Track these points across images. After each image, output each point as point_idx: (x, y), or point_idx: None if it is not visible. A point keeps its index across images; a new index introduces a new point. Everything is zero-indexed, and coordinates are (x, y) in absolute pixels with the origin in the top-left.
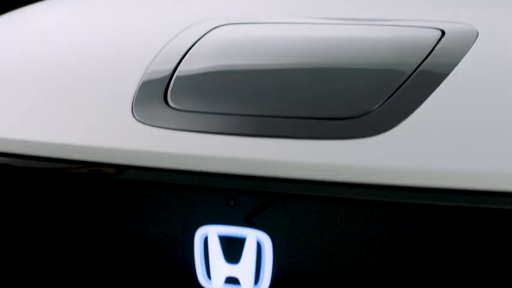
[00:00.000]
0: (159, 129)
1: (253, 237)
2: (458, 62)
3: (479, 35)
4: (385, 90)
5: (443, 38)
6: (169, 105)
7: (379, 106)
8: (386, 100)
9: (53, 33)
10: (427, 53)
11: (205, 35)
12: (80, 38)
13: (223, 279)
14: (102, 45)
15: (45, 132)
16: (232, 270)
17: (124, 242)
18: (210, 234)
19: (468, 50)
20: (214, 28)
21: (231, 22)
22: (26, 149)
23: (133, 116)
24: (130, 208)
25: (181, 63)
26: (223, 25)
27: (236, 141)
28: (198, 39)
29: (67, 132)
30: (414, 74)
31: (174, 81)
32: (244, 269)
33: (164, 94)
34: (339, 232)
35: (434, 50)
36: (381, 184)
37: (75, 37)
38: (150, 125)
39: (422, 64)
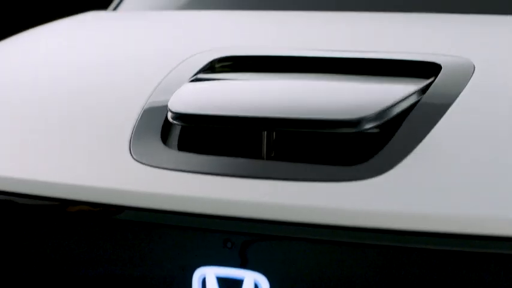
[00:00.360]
0: (156, 169)
1: (251, 278)
2: (456, 98)
3: (475, 69)
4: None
5: (440, 74)
6: (166, 145)
7: (374, 148)
8: (382, 142)
9: (45, 66)
10: (424, 91)
11: (203, 69)
12: (75, 72)
13: None
14: (98, 79)
15: (41, 171)
16: None
17: (122, 283)
18: (208, 275)
19: (465, 85)
20: (211, 61)
21: (229, 54)
22: (21, 188)
23: (131, 155)
24: (127, 249)
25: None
26: (221, 57)
27: (233, 183)
28: (195, 74)
29: (64, 172)
30: (411, 113)
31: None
32: None
33: (162, 133)
34: (335, 274)
35: (430, 87)
36: (376, 228)
37: (69, 70)
38: (147, 164)
39: (419, 103)
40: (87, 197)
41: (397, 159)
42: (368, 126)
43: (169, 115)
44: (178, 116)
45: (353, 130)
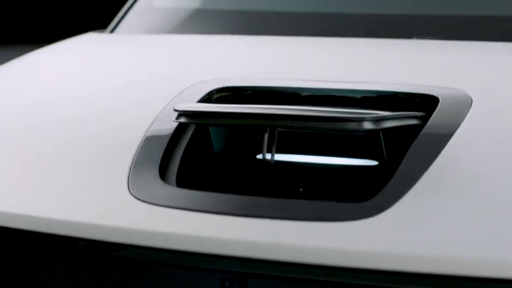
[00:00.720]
0: (154, 206)
1: None
2: (454, 133)
3: (473, 102)
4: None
5: (438, 108)
6: (165, 180)
7: (372, 187)
8: (380, 180)
9: (42, 94)
10: (421, 126)
11: (201, 100)
12: (71, 100)
13: None
14: (95, 108)
15: (38, 207)
16: None
17: None
18: None
19: (464, 119)
20: (210, 92)
21: (228, 85)
22: (16, 223)
23: (129, 191)
24: (124, 287)
25: (177, 132)
26: (219, 88)
27: (231, 222)
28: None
29: (61, 207)
30: (410, 149)
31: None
32: None
33: (160, 168)
34: None
35: (429, 122)
36: (375, 269)
37: (66, 99)
38: (145, 201)
39: (417, 138)
40: (83, 234)
41: (395, 197)
42: (371, 125)
43: (176, 116)
44: (185, 113)
45: (357, 127)
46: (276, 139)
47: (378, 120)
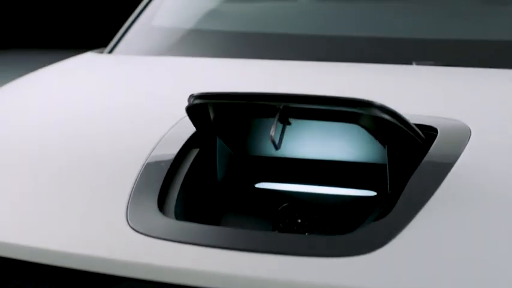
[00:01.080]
0: (152, 239)
1: None
2: (453, 166)
3: (471, 133)
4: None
5: (436, 140)
6: (163, 212)
7: (370, 222)
8: (377, 215)
9: (39, 118)
10: (420, 159)
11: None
12: (70, 129)
13: None
14: (94, 137)
15: (35, 237)
16: None
17: None
18: None
19: (462, 151)
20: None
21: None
22: (13, 253)
23: (128, 222)
24: None
25: (175, 162)
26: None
27: (229, 256)
28: (192, 135)
29: (59, 238)
30: (408, 183)
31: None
32: None
33: (158, 199)
34: None
35: (428, 154)
36: None
37: (64, 127)
38: (144, 234)
39: (416, 171)
40: (80, 266)
41: (395, 231)
42: (378, 112)
43: (190, 100)
44: (200, 96)
45: (364, 112)
46: (285, 127)
47: (384, 108)
